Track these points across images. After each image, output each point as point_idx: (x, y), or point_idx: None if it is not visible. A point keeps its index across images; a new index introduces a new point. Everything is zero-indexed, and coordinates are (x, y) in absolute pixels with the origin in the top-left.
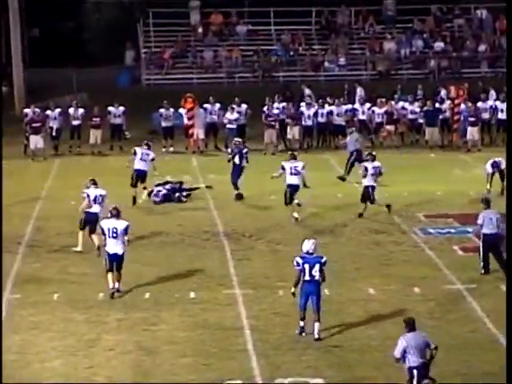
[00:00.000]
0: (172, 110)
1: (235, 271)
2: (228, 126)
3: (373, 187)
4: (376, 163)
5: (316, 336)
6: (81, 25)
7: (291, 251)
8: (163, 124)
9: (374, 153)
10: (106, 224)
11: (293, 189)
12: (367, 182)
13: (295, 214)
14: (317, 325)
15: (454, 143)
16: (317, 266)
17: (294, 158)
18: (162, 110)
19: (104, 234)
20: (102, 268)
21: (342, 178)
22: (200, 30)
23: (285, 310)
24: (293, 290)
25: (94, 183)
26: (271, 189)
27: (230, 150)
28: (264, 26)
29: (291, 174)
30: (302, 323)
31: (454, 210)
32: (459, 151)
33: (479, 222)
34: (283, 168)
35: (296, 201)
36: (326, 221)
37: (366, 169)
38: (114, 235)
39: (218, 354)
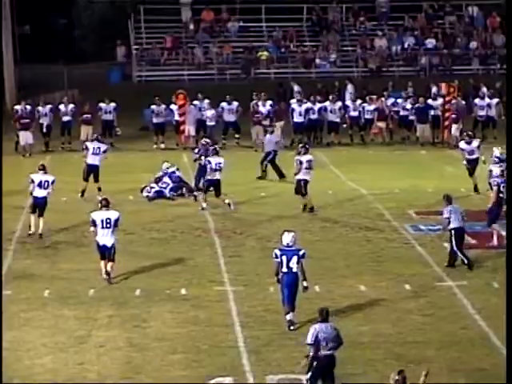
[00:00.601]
0: (163, 106)
1: (226, 268)
2: (208, 123)
3: (305, 181)
4: (309, 156)
5: (291, 328)
6: (72, 21)
7: None
8: (154, 120)
9: (307, 145)
10: (99, 215)
11: (214, 183)
12: (301, 175)
13: (227, 201)
14: (291, 314)
15: (445, 140)
16: (294, 258)
17: (217, 153)
18: (153, 107)
19: (95, 225)
20: (93, 264)
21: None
22: (191, 26)
23: (275, 306)
24: (276, 278)
25: (42, 169)
26: (262, 185)
27: (196, 150)
28: (255, 23)
29: (215, 170)
30: (287, 317)
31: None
32: (450, 148)
33: (446, 216)
34: (209, 162)
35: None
36: (316, 218)
37: (301, 162)
38: (108, 225)
39: (208, 351)
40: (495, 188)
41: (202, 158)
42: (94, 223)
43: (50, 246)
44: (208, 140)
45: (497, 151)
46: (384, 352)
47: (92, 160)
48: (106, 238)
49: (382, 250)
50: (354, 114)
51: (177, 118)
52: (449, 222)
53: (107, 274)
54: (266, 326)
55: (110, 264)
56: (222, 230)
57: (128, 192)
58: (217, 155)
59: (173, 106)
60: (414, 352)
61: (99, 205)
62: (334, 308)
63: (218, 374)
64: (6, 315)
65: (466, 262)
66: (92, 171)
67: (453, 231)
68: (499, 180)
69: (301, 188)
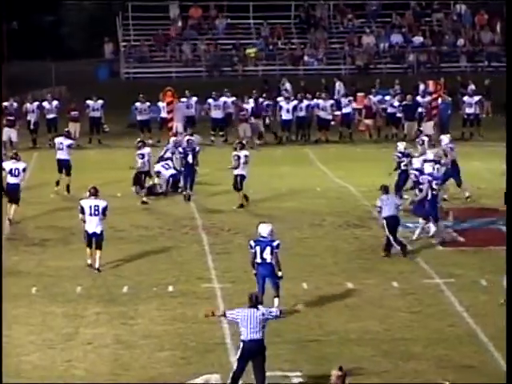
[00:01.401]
0: (148, 103)
1: (214, 265)
2: None
3: (242, 176)
4: (246, 152)
5: None
6: (60, 18)
7: None
8: (138, 117)
9: (243, 141)
10: (87, 203)
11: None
12: (239, 170)
13: (144, 198)
14: (276, 300)
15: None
16: (268, 249)
17: (144, 144)
18: (137, 104)
19: (83, 212)
20: (81, 261)
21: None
22: (179, 23)
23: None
24: (254, 271)
25: (14, 157)
26: (249, 183)
27: (181, 149)
28: (243, 20)
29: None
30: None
31: None
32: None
33: (378, 205)
34: (142, 156)
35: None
36: (304, 214)
37: (239, 157)
38: (96, 213)
39: (196, 348)
40: (427, 185)
41: (190, 156)
42: (82, 210)
43: (37, 243)
44: (193, 138)
45: (401, 146)
46: (372, 349)
47: (59, 155)
48: (93, 225)
49: (369, 247)
50: (346, 110)
51: (163, 114)
52: (381, 211)
53: (93, 264)
54: None
55: (98, 252)
56: (209, 227)
57: (116, 189)
58: (143, 146)
59: (160, 103)
60: (402, 349)
61: (88, 193)
62: (322, 305)
63: (205, 371)
64: None
65: (401, 250)
66: (60, 165)
67: (385, 220)
68: (430, 178)
69: (237, 183)
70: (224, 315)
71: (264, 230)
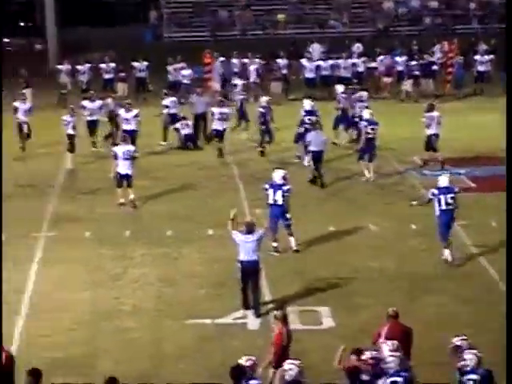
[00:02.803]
0: (176, 65)
1: (249, 211)
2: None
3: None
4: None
5: (294, 248)
6: None
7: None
8: (170, 79)
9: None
10: (120, 149)
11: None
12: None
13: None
14: (291, 239)
15: (447, 92)
16: (279, 192)
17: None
18: (168, 67)
19: (116, 158)
20: (127, 208)
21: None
22: None
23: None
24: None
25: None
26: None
27: (261, 109)
28: None
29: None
30: (274, 244)
31: (449, 153)
32: (453, 101)
33: (308, 139)
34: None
35: None
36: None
37: (178, 130)
38: (127, 157)
39: (230, 286)
40: (363, 129)
41: (267, 115)
42: (115, 156)
43: (88, 192)
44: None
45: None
46: (389, 284)
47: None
48: (125, 167)
49: (391, 193)
50: (360, 69)
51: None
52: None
53: (125, 202)
54: (281, 264)
55: (130, 191)
56: (244, 176)
57: (158, 140)
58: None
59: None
60: (420, 284)
61: (121, 139)
62: (346, 246)
63: (237, 307)
64: (50, 254)
65: (320, 181)
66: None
67: (311, 153)
68: (365, 123)
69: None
70: (233, 237)
71: (276, 175)
